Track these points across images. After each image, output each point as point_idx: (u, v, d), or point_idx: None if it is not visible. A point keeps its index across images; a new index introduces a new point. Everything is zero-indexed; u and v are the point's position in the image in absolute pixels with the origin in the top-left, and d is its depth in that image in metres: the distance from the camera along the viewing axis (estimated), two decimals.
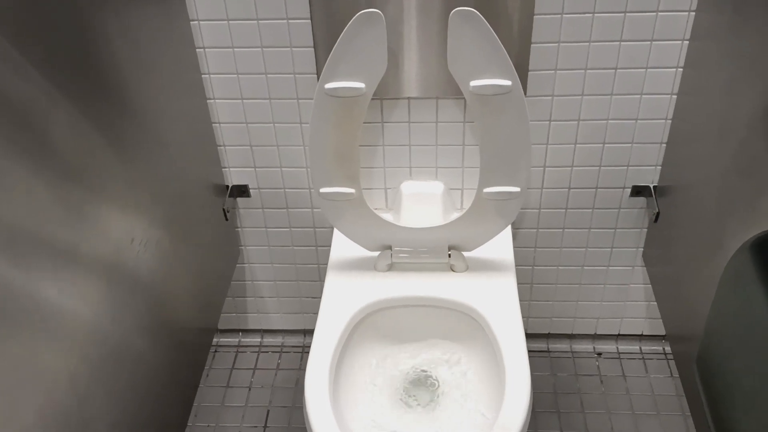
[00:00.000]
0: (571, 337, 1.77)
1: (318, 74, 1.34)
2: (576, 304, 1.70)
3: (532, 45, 1.29)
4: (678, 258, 1.35)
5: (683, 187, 1.33)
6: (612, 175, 1.45)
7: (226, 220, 1.50)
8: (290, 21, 1.29)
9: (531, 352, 1.75)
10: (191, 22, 1.30)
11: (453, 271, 1.38)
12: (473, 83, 1.14)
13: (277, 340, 1.82)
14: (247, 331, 1.82)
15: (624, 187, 1.47)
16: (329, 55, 1.12)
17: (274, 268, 1.67)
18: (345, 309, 1.31)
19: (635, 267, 1.61)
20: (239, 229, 1.60)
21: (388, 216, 1.51)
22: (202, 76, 1.36)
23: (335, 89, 1.16)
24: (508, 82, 1.13)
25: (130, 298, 1.09)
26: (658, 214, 1.42)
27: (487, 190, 1.26)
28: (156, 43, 1.17)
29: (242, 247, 1.64)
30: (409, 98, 1.36)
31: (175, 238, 1.26)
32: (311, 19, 1.27)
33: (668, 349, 1.75)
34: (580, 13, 1.25)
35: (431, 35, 1.26)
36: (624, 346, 1.76)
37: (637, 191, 1.47)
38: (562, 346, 1.78)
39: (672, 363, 1.73)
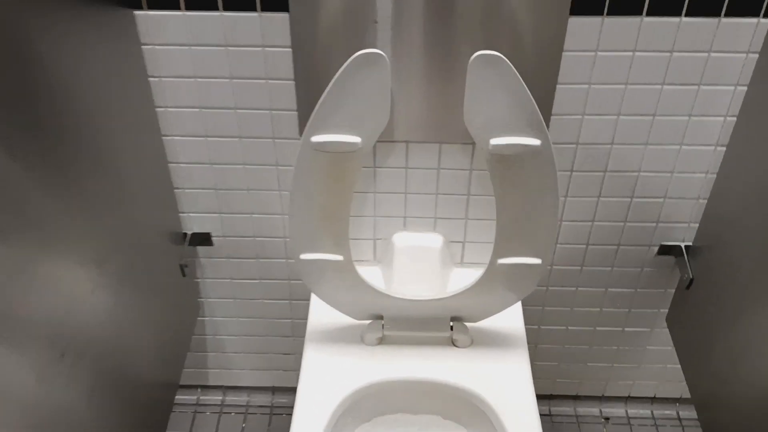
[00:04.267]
0: (575, 398, 1.58)
1: (299, 110, 1.11)
2: (584, 366, 1.50)
3: (558, 86, 1.08)
4: (711, 322, 1.17)
5: (722, 247, 1.15)
6: (638, 231, 1.25)
7: (184, 275, 1.27)
8: (266, 49, 1.05)
9: None
10: (143, 47, 1.06)
11: (455, 345, 1.18)
12: (494, 141, 0.92)
13: (242, 398, 1.60)
14: (206, 388, 1.59)
15: (650, 245, 1.27)
16: (318, 103, 0.90)
17: (240, 322, 1.44)
18: (328, 396, 1.09)
19: (654, 329, 1.41)
20: (199, 281, 1.37)
21: (375, 270, 1.30)
22: (156, 109, 1.12)
23: (324, 143, 0.93)
24: (536, 142, 0.92)
25: (78, 359, 0.88)
26: (692, 280, 1.22)
27: (502, 261, 1.05)
28: (101, 72, 0.93)
29: (202, 300, 1.40)
30: (407, 142, 1.14)
31: (131, 289, 1.05)
32: (292, 49, 1.04)
33: (683, 413, 1.57)
34: (617, 51, 1.04)
35: (436, 73, 1.05)
36: (634, 410, 1.58)
37: (665, 250, 1.27)
38: (565, 408, 1.58)
39: (687, 429, 1.55)
